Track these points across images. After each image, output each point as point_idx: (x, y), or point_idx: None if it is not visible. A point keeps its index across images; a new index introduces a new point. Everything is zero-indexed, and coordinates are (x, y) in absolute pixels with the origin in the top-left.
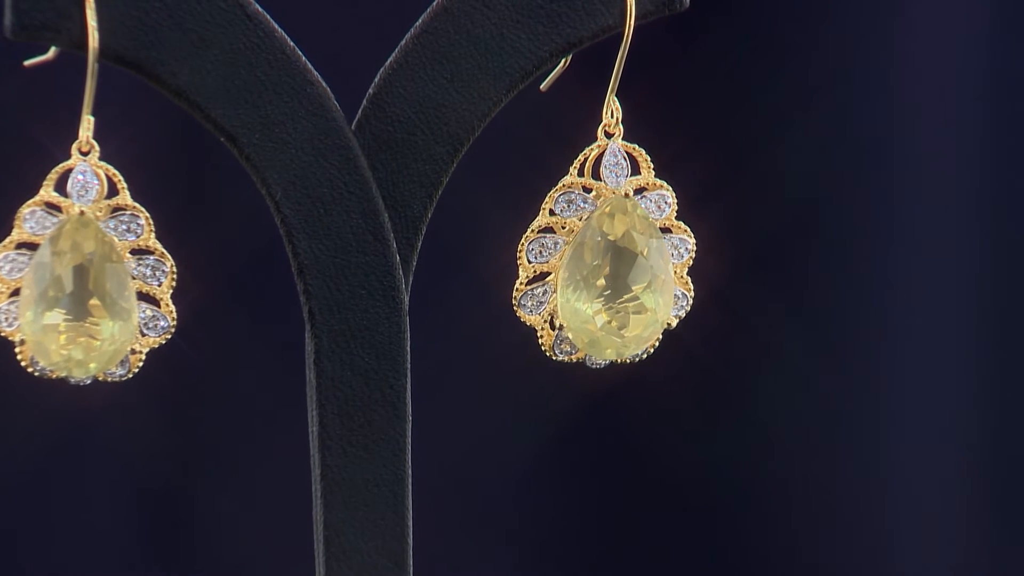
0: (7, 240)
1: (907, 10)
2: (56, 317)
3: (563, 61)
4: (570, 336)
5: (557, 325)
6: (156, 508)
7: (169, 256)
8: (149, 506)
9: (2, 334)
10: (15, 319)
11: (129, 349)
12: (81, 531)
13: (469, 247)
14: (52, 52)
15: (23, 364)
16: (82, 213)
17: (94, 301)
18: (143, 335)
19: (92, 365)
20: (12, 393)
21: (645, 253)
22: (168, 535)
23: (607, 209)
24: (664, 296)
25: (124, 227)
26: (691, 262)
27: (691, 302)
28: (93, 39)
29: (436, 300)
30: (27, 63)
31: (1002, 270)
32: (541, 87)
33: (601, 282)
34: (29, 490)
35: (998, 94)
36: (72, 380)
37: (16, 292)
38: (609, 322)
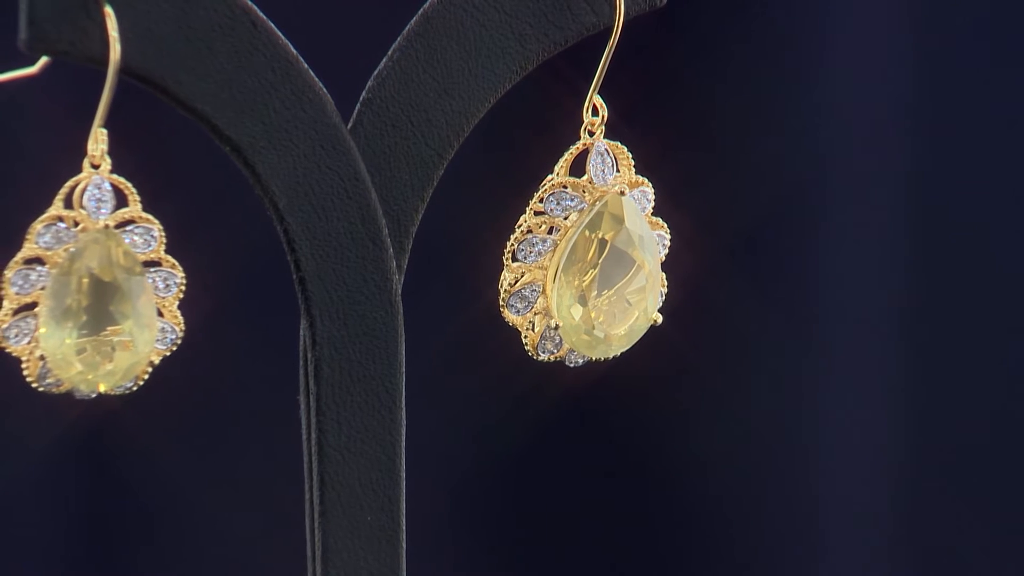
0: (18, 256)
1: (879, 10)
2: (75, 332)
3: None
4: (562, 336)
5: (551, 325)
6: (142, 513)
7: (180, 268)
8: (135, 511)
9: (11, 351)
10: (24, 335)
11: (147, 362)
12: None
13: (454, 248)
14: (37, 66)
15: (29, 380)
16: (106, 227)
17: (113, 316)
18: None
19: (107, 380)
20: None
21: (636, 251)
22: (158, 539)
23: (599, 207)
24: (654, 293)
25: (140, 239)
26: (664, 258)
27: (665, 296)
28: (115, 51)
29: (421, 302)
30: (2, 78)
31: (957, 269)
32: None
33: (593, 280)
34: None
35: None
36: (78, 395)
37: (24, 308)
38: (599, 320)
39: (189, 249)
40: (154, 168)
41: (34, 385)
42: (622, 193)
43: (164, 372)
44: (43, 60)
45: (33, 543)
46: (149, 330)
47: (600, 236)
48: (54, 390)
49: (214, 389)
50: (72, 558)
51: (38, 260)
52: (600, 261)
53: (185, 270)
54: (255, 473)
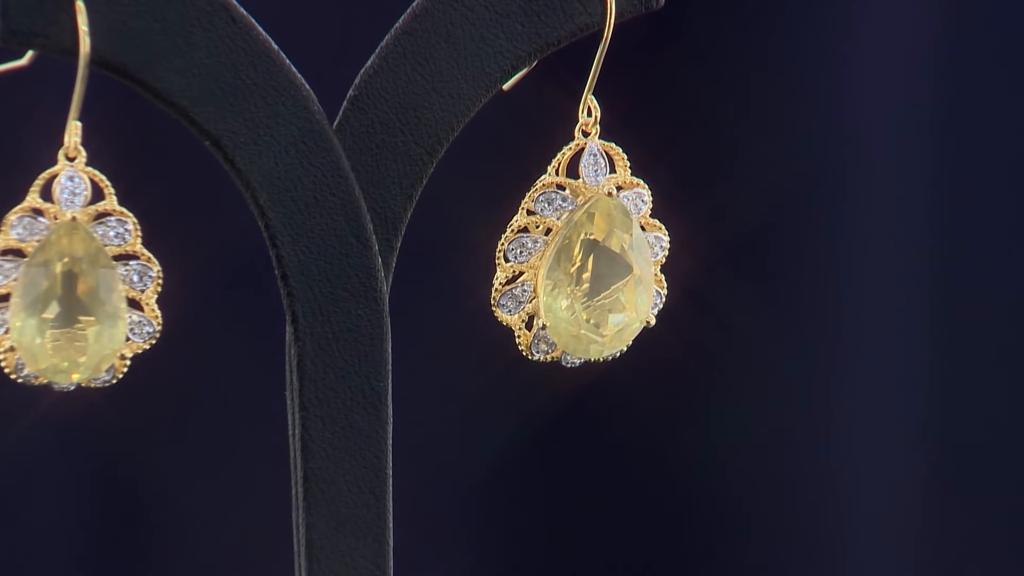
0: None
1: (877, 11)
2: (46, 324)
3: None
4: (552, 336)
5: (539, 325)
6: (129, 510)
7: (156, 261)
8: (121, 508)
9: None
10: (1, 326)
11: (118, 355)
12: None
13: (446, 247)
14: (26, 59)
15: (6, 371)
16: (74, 219)
17: (84, 307)
18: (128, 340)
19: (80, 371)
20: None
21: (626, 251)
22: (144, 538)
23: (588, 208)
24: (645, 294)
25: (112, 232)
26: (663, 260)
27: (664, 299)
28: (84, 44)
29: (412, 300)
30: None
31: (958, 271)
32: (504, 87)
33: (582, 281)
34: None
35: (958, 99)
36: (56, 387)
37: (2, 299)
38: (589, 321)
39: (172, 243)
40: (134, 160)
41: (12, 377)
42: (610, 194)
43: (149, 367)
44: (31, 52)
45: (23, 542)
46: (120, 322)
47: (589, 237)
48: (32, 382)
49: (201, 384)
50: (60, 556)
51: (13, 251)
52: (589, 262)
53: (167, 264)
54: (244, 468)
